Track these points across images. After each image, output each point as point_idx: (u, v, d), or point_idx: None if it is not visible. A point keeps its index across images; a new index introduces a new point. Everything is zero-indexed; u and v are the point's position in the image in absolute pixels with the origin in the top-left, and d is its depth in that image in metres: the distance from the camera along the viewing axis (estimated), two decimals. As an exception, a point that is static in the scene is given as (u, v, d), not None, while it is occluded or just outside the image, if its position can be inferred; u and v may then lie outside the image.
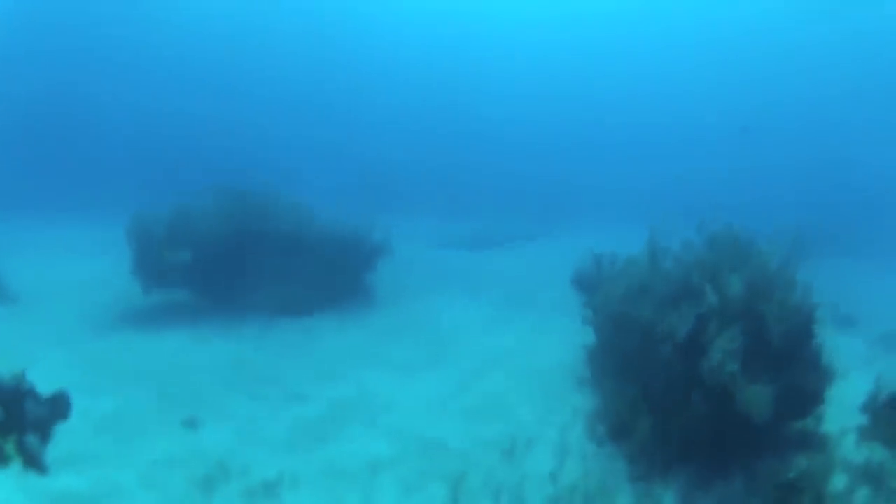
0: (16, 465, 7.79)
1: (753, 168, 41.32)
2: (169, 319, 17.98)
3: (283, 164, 34.04)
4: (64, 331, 17.01)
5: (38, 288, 20.36)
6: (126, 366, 14.86)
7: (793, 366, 9.55)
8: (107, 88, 47.21)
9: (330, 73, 58.18)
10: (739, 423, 9.16)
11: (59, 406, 8.30)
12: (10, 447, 7.50)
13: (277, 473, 10.64)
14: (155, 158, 39.77)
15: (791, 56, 52.94)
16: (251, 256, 18.67)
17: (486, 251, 27.79)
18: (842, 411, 9.72)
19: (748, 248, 10.94)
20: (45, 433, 8.06)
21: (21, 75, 44.29)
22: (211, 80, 52.49)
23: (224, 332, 17.37)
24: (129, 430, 12.00)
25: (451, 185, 38.15)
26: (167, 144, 43.47)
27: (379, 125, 55.79)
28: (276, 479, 10.50)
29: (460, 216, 33.05)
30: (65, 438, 10.60)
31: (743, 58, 55.93)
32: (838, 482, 8.31)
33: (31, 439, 7.73)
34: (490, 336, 16.95)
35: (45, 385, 12.40)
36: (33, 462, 7.71)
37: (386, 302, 19.66)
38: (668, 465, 9.86)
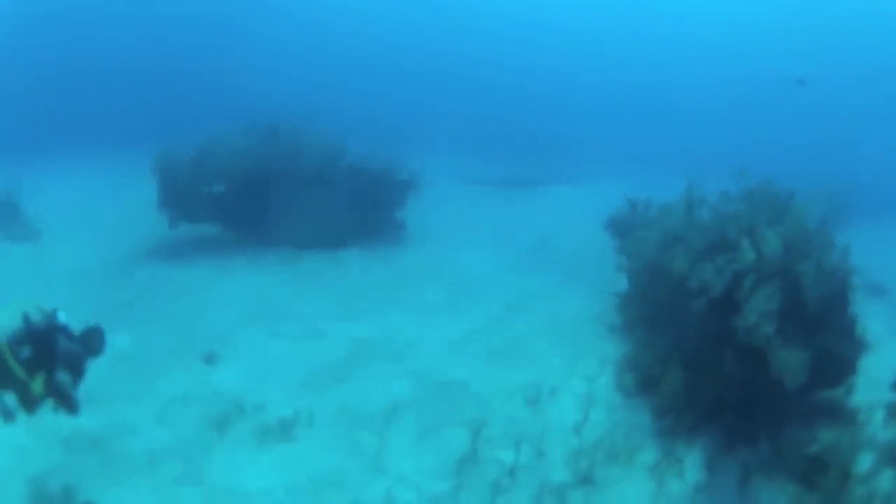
0: (46, 405, 7.57)
1: (791, 124, 39.61)
2: (194, 253, 17.75)
3: (313, 99, 33.27)
4: (85, 267, 16.87)
5: (63, 225, 20.21)
6: (147, 301, 14.72)
7: (827, 332, 8.98)
8: (132, 24, 46.54)
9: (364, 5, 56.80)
10: (770, 387, 8.68)
11: (92, 341, 8.02)
12: (37, 385, 7.23)
13: (293, 412, 10.41)
14: (181, 95, 39.36)
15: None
16: (279, 190, 18.31)
17: (517, 191, 27.11)
18: (870, 384, 9.13)
19: (786, 204, 10.32)
20: (78, 370, 7.80)
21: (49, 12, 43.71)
22: (238, 14, 51.53)
23: (249, 265, 17.13)
24: (146, 368, 11.85)
25: (485, 125, 37.08)
26: (193, 79, 43.02)
27: (413, 62, 54.53)
28: (291, 417, 10.27)
29: (492, 156, 32.24)
30: (80, 374, 10.45)
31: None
32: (864, 461, 7.83)
33: (63, 376, 7.47)
34: (518, 278, 16.48)
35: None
36: (65, 401, 7.48)
37: (414, 240, 19.24)
38: (695, 423, 9.44)
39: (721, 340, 9.17)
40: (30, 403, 7.43)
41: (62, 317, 7.62)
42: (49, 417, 10.09)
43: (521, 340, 12.94)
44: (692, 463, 8.97)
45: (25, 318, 7.35)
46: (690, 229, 10.79)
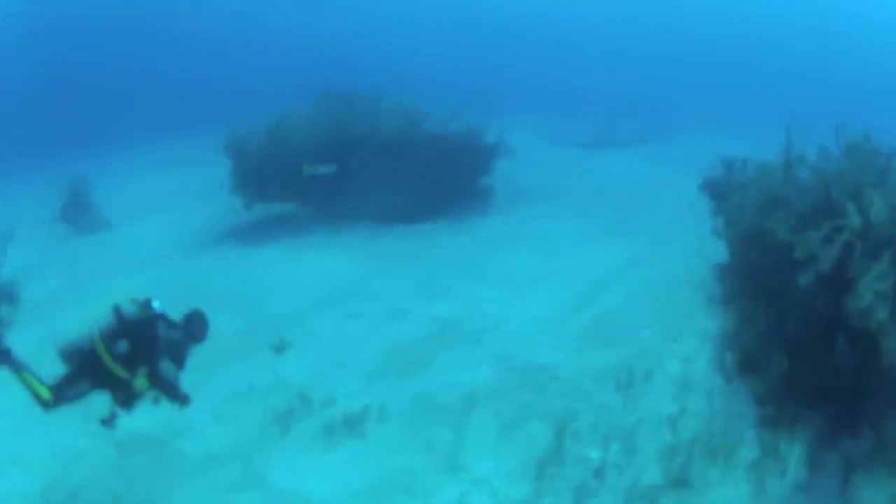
0: (148, 397, 7.02)
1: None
2: (269, 234, 16.98)
3: (390, 67, 31.99)
4: (155, 254, 16.35)
5: (135, 212, 19.85)
6: (217, 286, 13.97)
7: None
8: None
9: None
10: (880, 374, 7.21)
11: (195, 326, 7.37)
12: (140, 381, 6.81)
13: (363, 405, 9.39)
14: (257, 70, 38.89)
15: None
16: (357, 163, 17.35)
17: (605, 151, 25.35)
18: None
19: (889, 163, 8.87)
20: (180, 359, 7.14)
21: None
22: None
23: (326, 244, 16.27)
24: (210, 358, 10.96)
25: (573, 85, 35.18)
26: (267, 54, 42.47)
27: (498, 22, 52.39)
28: (360, 412, 9.25)
29: (581, 116, 30.43)
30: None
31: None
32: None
33: (167, 366, 6.85)
34: (611, 245, 15.06)
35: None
36: (170, 391, 6.98)
37: (501, 208, 17.99)
38: (797, 411, 8.02)
39: (830, 322, 7.73)
40: (128, 399, 6.98)
41: (157, 305, 7.11)
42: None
43: (614, 315, 11.62)
44: (794, 459, 7.57)
45: (117, 311, 6.91)
46: (790, 190, 9.30)
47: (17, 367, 6.86)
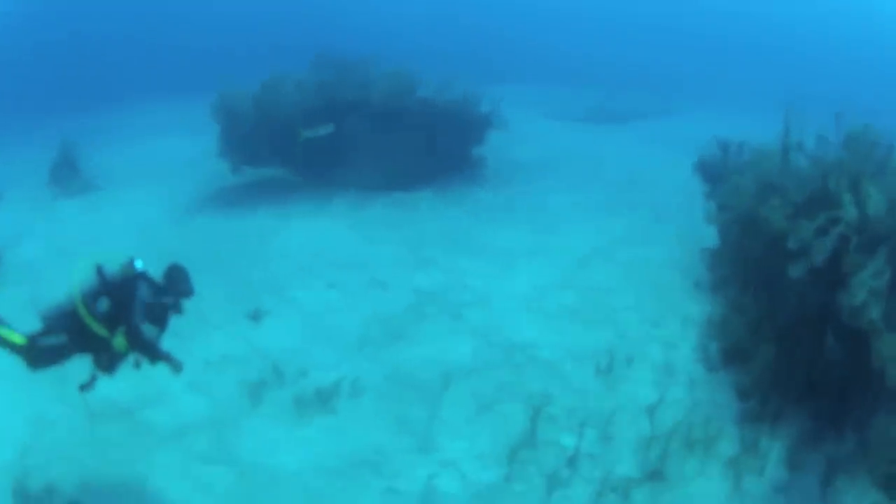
0: (129, 361, 6.79)
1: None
2: (257, 200, 16.71)
3: (386, 32, 31.22)
4: (141, 218, 16.04)
5: (123, 176, 19.50)
6: (200, 252, 13.65)
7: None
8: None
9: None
10: (869, 374, 7.00)
11: (177, 282, 7.13)
12: (119, 341, 6.59)
13: (336, 380, 9.21)
14: (255, 34, 38.11)
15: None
16: (348, 128, 17.02)
17: (602, 126, 24.86)
18: None
19: (888, 155, 8.62)
20: (162, 319, 7.03)
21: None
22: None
23: (314, 211, 16.00)
24: (187, 325, 10.76)
25: (573, 56, 34.45)
26: (265, 17, 41.59)
27: None
28: (333, 386, 9.08)
29: (580, 88, 29.90)
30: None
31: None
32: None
33: (147, 327, 6.77)
34: (603, 221, 14.82)
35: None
36: (150, 352, 6.75)
37: (493, 179, 17.70)
38: (781, 407, 7.85)
39: (822, 316, 7.53)
40: (110, 363, 6.75)
41: (140, 264, 6.82)
42: (77, 385, 9.31)
43: (600, 294, 11.44)
44: (774, 458, 7.41)
45: (98, 270, 6.66)
46: (787, 178, 9.07)
47: None
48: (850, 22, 45.39)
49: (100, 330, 6.52)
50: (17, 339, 6.59)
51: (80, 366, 6.81)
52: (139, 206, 17.00)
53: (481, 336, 10.26)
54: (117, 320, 6.58)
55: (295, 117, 16.49)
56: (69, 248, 14.48)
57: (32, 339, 6.60)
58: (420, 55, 20.05)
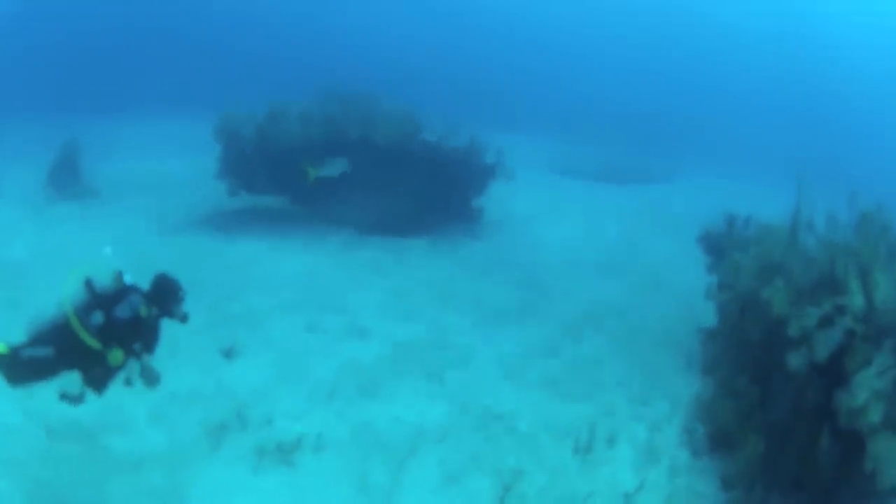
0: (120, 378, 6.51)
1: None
2: (248, 226, 16.48)
3: (391, 73, 30.88)
4: (133, 229, 15.83)
5: (123, 185, 19.29)
6: (184, 275, 13.36)
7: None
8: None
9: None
10: (861, 477, 6.71)
11: (168, 292, 6.80)
12: (115, 355, 6.30)
13: (300, 432, 8.87)
14: (258, 58, 38.18)
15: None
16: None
17: (607, 186, 24.68)
18: None
19: None
20: (155, 334, 6.73)
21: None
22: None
23: (304, 245, 15.76)
24: (160, 352, 10.51)
25: (579, 109, 34.16)
26: (271, 43, 41.68)
27: (502, 36, 51.04)
28: (296, 438, 8.74)
29: (584, 142, 29.72)
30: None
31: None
32: None
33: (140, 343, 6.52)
34: (598, 286, 14.58)
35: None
36: (146, 370, 6.55)
37: (490, 231, 17.48)
38: (766, 500, 7.51)
39: (818, 411, 7.22)
40: (100, 379, 6.42)
41: (129, 278, 6.57)
42: (42, 397, 9.00)
43: (588, 366, 11.11)
44: None
45: (88, 283, 6.36)
46: (793, 258, 8.81)
47: None
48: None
49: (94, 344, 6.20)
50: (1, 347, 6.26)
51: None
52: (130, 218, 16.76)
53: (458, 400, 9.90)
54: (111, 335, 6.27)
55: (297, 148, 16.31)
56: (54, 253, 14.24)
57: (16, 350, 6.24)
58: (431, 94, 19.81)
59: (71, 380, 6.41)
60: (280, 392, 9.84)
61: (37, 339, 6.27)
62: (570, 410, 9.78)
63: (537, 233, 17.92)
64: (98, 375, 6.42)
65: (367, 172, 16.74)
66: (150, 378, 6.63)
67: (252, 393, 9.76)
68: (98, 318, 6.27)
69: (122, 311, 6.32)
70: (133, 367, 6.44)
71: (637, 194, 23.86)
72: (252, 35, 43.05)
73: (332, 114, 16.72)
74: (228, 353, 10.82)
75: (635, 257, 16.69)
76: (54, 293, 6.33)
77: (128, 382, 6.53)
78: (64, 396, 6.45)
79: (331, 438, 8.84)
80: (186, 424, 9.05)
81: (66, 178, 18.97)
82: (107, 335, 6.27)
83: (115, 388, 9.41)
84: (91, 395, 6.55)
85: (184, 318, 6.94)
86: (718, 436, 8.72)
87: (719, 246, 12.10)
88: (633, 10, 52.96)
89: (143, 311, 6.47)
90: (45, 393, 8.23)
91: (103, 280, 6.51)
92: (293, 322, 12.05)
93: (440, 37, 48.82)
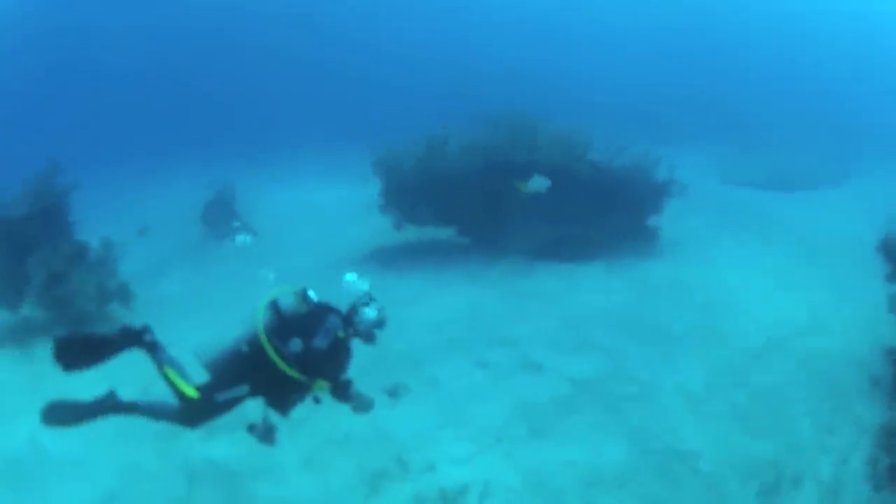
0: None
1: None
2: (414, 259, 16.02)
3: (551, 91, 29.80)
4: (295, 267, 15.67)
5: (282, 220, 19.42)
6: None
7: None
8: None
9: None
10: None
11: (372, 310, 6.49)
12: (321, 385, 5.91)
13: (466, 478, 8.10)
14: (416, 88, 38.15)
15: None
16: (512, 191, 16.09)
17: (778, 194, 22.52)
18: None
19: None
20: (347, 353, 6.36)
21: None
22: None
23: (471, 276, 15.16)
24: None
25: (750, 114, 31.58)
26: (423, 73, 41.62)
27: (667, 43, 48.32)
28: (460, 486, 7.96)
29: (752, 143, 27.37)
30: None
31: None
32: None
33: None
34: (779, 304, 13.05)
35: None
36: (351, 397, 6.15)
37: (667, 251, 16.15)
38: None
39: None
40: (287, 401, 5.97)
41: (313, 294, 6.19)
42: (185, 440, 8.75)
43: (773, 394, 9.78)
44: None
45: (273, 305, 5.96)
46: None
47: (162, 362, 6.00)
48: None
49: (297, 376, 5.72)
50: (189, 390, 5.85)
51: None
52: (291, 254, 16.70)
53: (638, 439, 8.84)
54: (309, 364, 5.78)
55: (460, 176, 15.79)
56: (208, 293, 14.30)
57: (206, 392, 5.83)
58: (591, 110, 18.76)
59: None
60: (444, 435, 9.14)
61: (223, 375, 5.81)
62: (756, 447, 8.55)
63: (715, 249, 16.42)
64: (283, 397, 5.93)
65: (534, 198, 15.97)
66: (362, 405, 6.15)
67: (414, 436, 9.11)
68: (296, 345, 5.78)
69: (321, 342, 5.81)
70: (321, 385, 5.89)
71: (809, 199, 21.74)
72: (386, 61, 43.47)
73: (493, 142, 16.05)
74: (394, 393, 10.17)
75: (817, 267, 14.96)
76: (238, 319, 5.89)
77: (316, 401, 5.97)
78: (253, 430, 5.94)
79: (499, 485, 8.02)
80: (341, 471, 8.52)
81: (222, 215, 19.28)
82: (304, 364, 5.76)
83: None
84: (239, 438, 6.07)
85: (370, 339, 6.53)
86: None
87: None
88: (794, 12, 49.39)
89: (341, 332, 5.98)
90: (189, 436, 7.97)
91: (287, 300, 6.07)
92: (460, 359, 11.36)
93: (602, 53, 47.31)
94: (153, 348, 6.05)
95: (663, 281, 14.54)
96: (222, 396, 5.79)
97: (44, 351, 12.31)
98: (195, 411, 5.87)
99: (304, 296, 6.12)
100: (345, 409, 9.40)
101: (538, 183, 13.24)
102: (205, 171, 20.52)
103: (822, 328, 11.88)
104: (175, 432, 9.13)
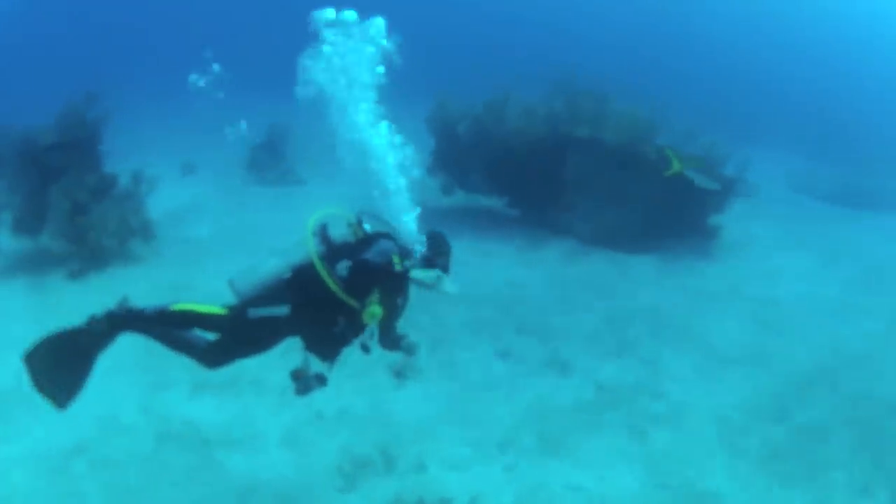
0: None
1: None
2: (458, 227, 15.00)
3: (623, 72, 27.89)
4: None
5: (328, 169, 18.56)
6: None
7: None
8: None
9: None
10: None
11: (437, 251, 5.59)
12: (375, 309, 4.96)
13: (453, 488, 7.30)
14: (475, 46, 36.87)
15: None
16: (572, 168, 15.06)
17: (848, 211, 20.55)
18: None
19: None
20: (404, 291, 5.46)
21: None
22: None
23: (518, 252, 14.32)
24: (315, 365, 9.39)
25: (826, 120, 29.23)
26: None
27: (750, 35, 45.73)
28: (443, 497, 7.15)
29: (831, 157, 25.38)
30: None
31: None
32: None
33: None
34: (834, 332, 11.82)
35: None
36: (391, 331, 5.55)
37: (725, 254, 14.89)
38: None
39: None
40: (332, 345, 5.17)
41: (368, 228, 5.43)
42: (172, 395, 8.24)
43: (811, 437, 8.69)
44: None
45: (322, 233, 5.25)
46: None
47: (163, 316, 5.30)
48: None
49: (348, 299, 4.93)
50: (216, 309, 5.19)
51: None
52: (335, 199, 15.98)
53: (656, 470, 7.89)
54: (358, 287, 4.99)
55: (517, 145, 14.80)
56: (237, 239, 13.74)
57: (238, 309, 5.11)
58: (667, 96, 17.29)
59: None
60: (443, 432, 8.34)
61: (260, 298, 5.04)
62: (783, 497, 7.58)
63: (775, 258, 15.12)
64: (328, 341, 5.13)
65: (592, 178, 14.94)
66: (410, 349, 5.52)
67: (410, 427, 8.36)
68: (344, 268, 5.01)
69: (373, 256, 5.04)
70: (373, 330, 5.16)
71: (882, 218, 19.95)
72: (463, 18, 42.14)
73: (557, 110, 15.00)
74: (398, 373, 9.41)
75: (882, 295, 13.60)
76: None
77: (365, 349, 5.20)
78: (299, 376, 5.18)
79: (494, 497, 7.18)
80: (323, 452, 7.81)
81: (269, 160, 18.65)
82: (352, 283, 4.97)
83: (251, 398, 8.48)
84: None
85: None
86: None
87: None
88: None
89: (397, 263, 5.10)
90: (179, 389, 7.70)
91: (341, 231, 5.36)
92: (484, 345, 10.54)
93: (682, 32, 45.14)
94: (138, 318, 5.31)
95: (717, 287, 13.39)
96: (256, 313, 5.02)
97: (55, 282, 12.06)
98: (225, 338, 5.21)
99: (358, 226, 5.40)
100: (350, 382, 8.78)
101: (705, 182, 11.27)
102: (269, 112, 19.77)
103: (877, 364, 10.72)
104: (164, 384, 8.65)
